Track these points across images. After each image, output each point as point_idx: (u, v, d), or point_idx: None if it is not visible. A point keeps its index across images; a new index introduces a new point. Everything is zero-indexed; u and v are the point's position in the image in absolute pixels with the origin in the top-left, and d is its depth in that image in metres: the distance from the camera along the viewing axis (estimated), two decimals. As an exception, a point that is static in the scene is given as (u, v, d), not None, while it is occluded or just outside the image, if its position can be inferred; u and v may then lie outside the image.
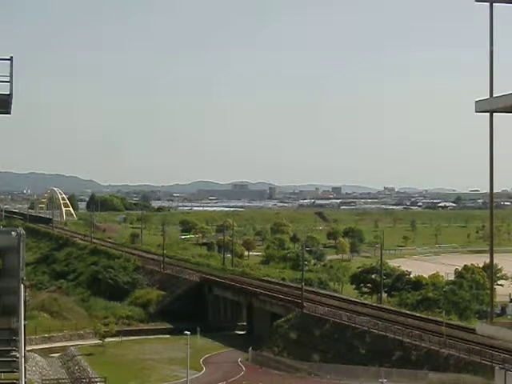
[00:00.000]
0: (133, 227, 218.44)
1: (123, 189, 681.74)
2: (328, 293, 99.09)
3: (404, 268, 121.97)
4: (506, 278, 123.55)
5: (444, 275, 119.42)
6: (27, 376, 24.90)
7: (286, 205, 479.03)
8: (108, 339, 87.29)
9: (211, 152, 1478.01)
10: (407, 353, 65.55)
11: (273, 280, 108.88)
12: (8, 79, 18.99)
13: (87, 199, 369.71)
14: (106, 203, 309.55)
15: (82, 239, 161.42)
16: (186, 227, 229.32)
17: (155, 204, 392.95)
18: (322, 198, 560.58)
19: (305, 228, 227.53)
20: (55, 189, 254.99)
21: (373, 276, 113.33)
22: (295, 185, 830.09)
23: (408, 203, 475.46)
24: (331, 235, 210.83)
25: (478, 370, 54.41)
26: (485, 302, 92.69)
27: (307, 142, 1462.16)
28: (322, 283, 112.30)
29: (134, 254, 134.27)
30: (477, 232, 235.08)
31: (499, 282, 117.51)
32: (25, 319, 21.27)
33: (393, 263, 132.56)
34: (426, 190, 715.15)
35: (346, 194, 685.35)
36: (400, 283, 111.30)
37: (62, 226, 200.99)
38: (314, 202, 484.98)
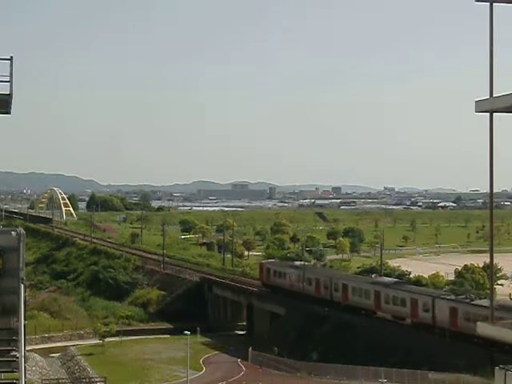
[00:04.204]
0: (133, 227, 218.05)
1: (123, 189, 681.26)
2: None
3: (404, 268, 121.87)
4: (506, 278, 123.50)
5: (444, 275, 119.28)
6: (27, 376, 24.89)
7: (286, 205, 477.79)
8: (108, 339, 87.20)
9: (211, 152, 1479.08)
10: (407, 353, 65.45)
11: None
12: (8, 79, 18.95)
13: (87, 199, 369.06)
14: (106, 203, 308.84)
15: (81, 239, 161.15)
16: (186, 227, 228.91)
17: (155, 204, 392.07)
18: (321, 198, 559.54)
19: (305, 228, 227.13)
20: (55, 189, 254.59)
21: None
22: (295, 185, 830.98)
23: (408, 203, 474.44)
24: (331, 235, 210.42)
25: (478, 370, 54.26)
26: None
27: (307, 141, 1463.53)
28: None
29: (134, 254, 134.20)
30: (477, 232, 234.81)
31: (499, 282, 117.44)
32: (25, 319, 21.26)
33: (393, 263, 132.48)
34: (426, 190, 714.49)
35: (346, 193, 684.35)
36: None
37: (61, 226, 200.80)
38: (314, 202, 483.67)
